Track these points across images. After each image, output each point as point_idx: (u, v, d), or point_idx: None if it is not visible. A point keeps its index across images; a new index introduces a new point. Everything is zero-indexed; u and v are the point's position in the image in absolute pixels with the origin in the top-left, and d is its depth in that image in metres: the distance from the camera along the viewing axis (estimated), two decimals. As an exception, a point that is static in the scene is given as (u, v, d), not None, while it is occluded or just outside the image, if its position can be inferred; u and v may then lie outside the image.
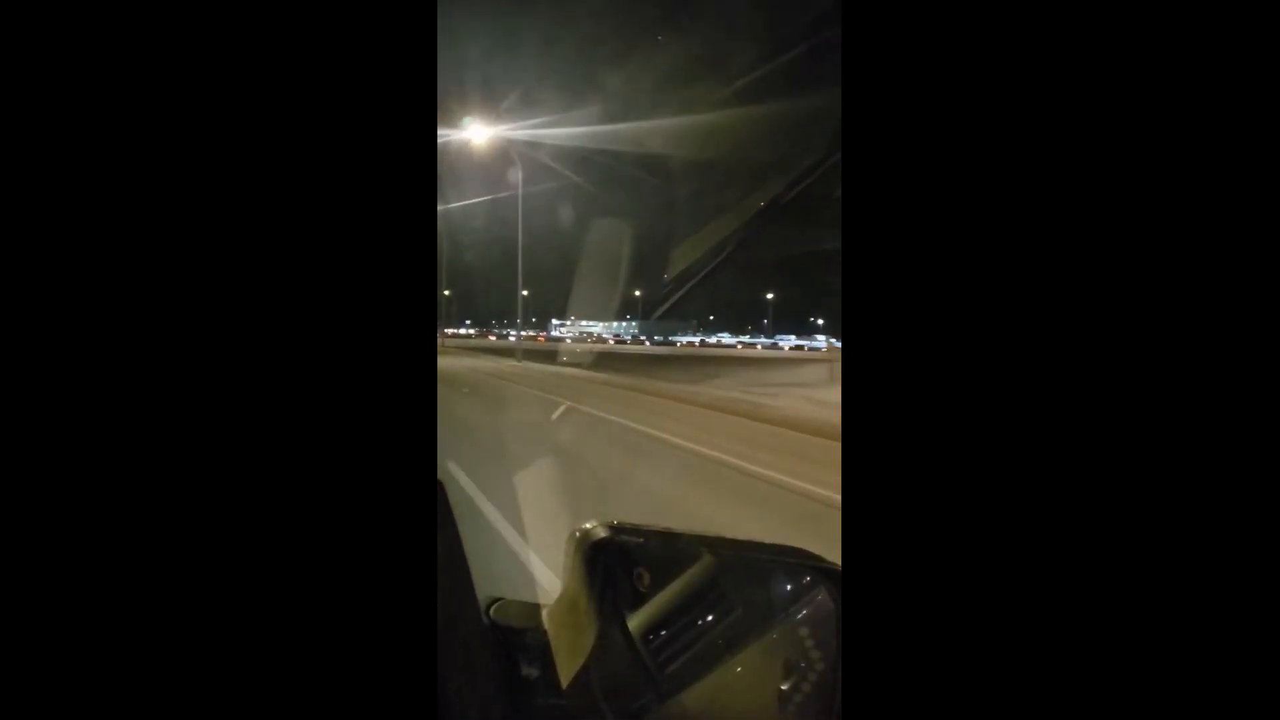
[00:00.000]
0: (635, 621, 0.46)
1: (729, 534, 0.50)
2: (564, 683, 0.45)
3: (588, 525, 0.49)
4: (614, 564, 0.47)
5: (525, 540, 2.89)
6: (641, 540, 0.48)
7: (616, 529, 0.48)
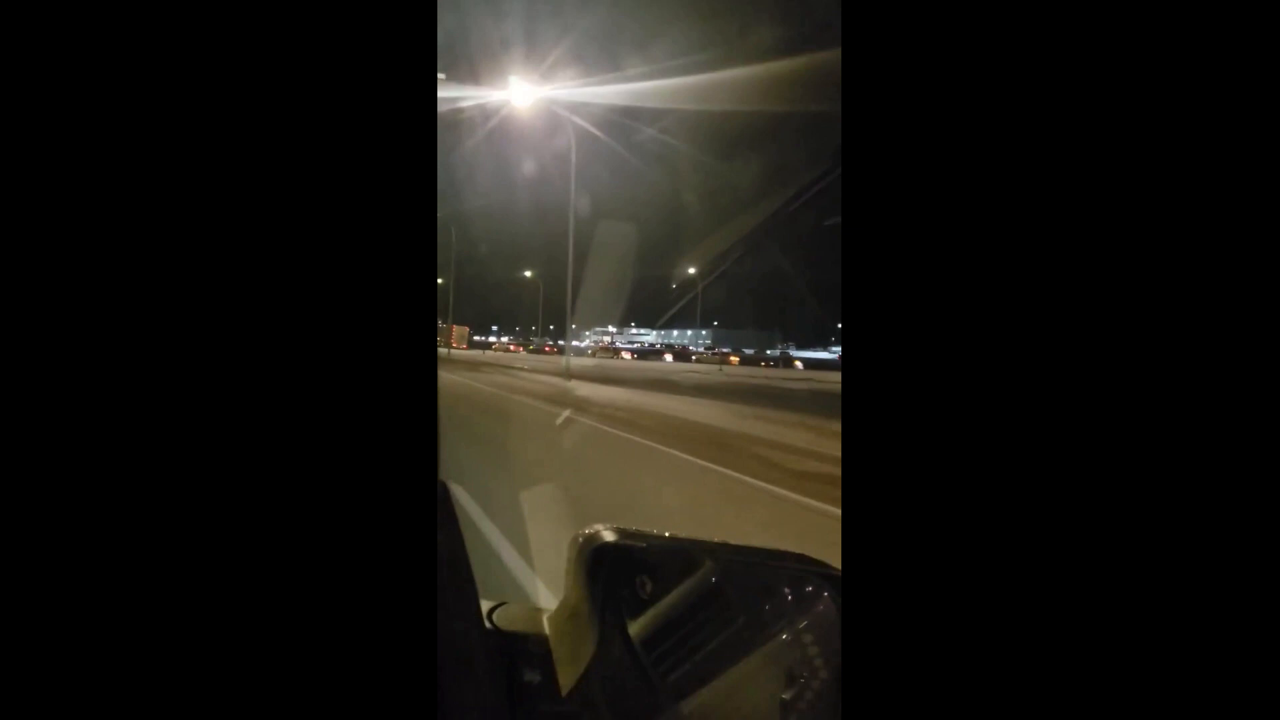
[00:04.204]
0: (637, 628, 0.46)
1: (733, 541, 0.49)
2: (565, 689, 0.45)
3: (590, 530, 0.49)
4: (616, 570, 0.47)
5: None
6: (644, 546, 0.48)
7: (619, 534, 0.48)
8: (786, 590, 0.46)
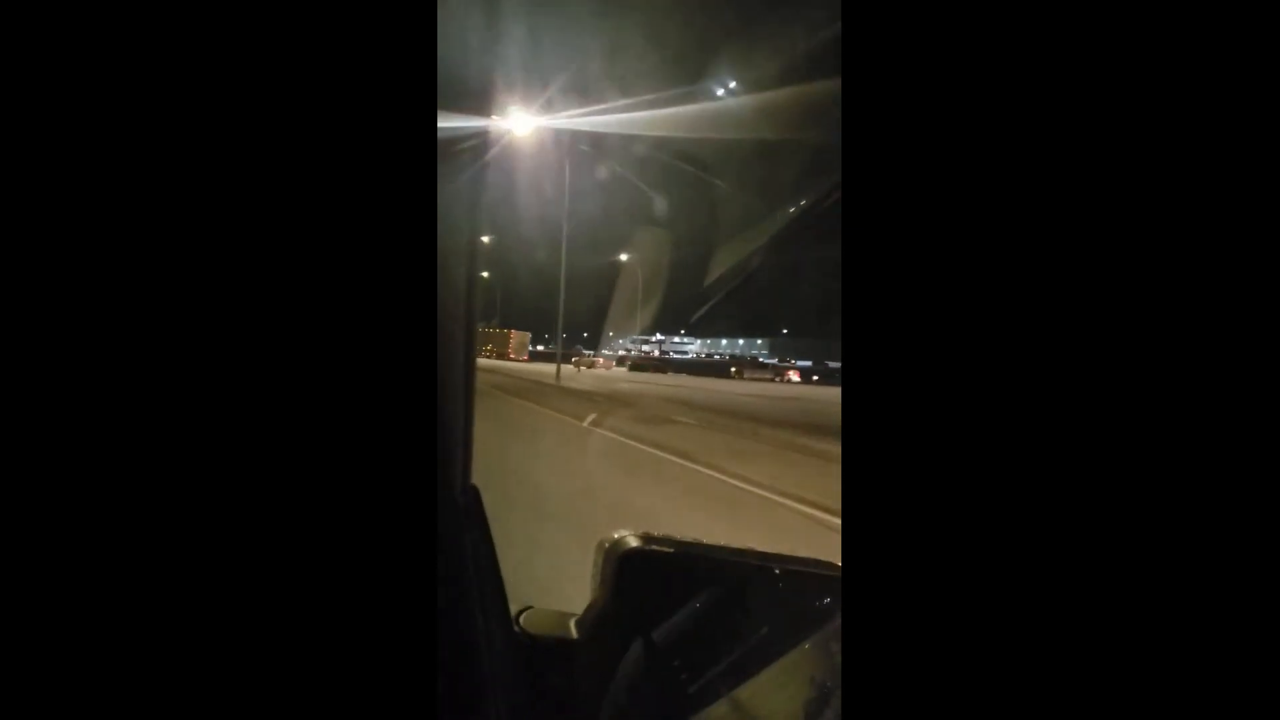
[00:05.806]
0: (662, 634, 0.47)
1: (760, 547, 0.50)
2: (590, 693, 0.47)
3: (617, 535, 0.50)
4: (642, 575, 0.48)
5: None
6: (670, 552, 0.50)
7: (647, 540, 0.50)
8: (814, 597, 0.46)
